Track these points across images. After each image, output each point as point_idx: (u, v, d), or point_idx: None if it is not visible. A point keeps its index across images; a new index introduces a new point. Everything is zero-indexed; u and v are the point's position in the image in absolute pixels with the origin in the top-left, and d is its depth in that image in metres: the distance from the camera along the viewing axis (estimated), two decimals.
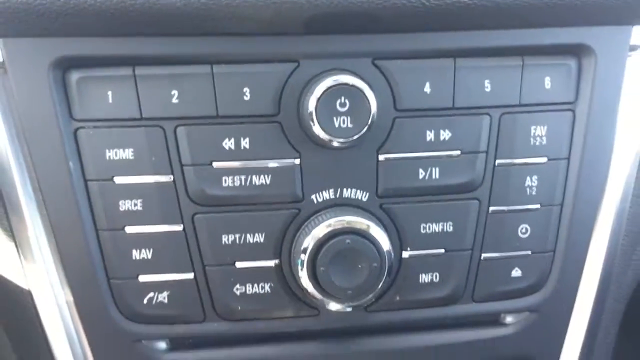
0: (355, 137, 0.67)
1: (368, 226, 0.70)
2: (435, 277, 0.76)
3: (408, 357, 0.79)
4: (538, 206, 0.76)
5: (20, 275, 0.74)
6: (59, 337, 0.75)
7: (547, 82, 0.74)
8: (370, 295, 0.71)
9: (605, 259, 0.80)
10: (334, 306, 0.72)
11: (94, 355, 0.75)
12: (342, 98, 0.66)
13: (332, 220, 0.70)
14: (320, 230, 0.69)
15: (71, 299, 0.73)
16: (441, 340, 0.80)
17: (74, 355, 0.75)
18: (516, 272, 0.78)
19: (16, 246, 0.73)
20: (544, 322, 0.81)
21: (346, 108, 0.67)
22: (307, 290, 0.70)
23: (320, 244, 0.69)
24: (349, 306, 0.72)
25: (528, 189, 0.75)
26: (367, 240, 0.69)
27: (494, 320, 0.82)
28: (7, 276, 0.75)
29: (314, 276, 0.69)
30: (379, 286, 0.70)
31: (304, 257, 0.69)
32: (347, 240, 0.69)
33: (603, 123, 0.75)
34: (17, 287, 0.75)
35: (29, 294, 0.74)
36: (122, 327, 0.74)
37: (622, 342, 0.93)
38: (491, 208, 0.75)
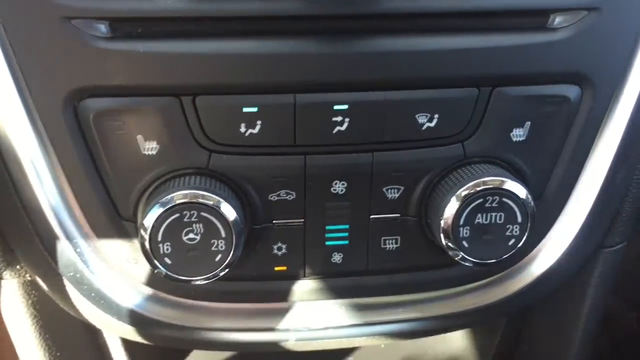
0: None
1: None
2: None
3: (426, 62, 0.61)
4: None
5: None
6: None
7: None
8: None
9: None
10: None
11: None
12: None
13: None
14: None
15: None
16: (474, 44, 0.61)
17: None
18: None
19: None
20: (605, 27, 0.62)
21: None
22: None
23: None
24: None
25: None
26: None
27: (541, 24, 0.62)
28: None
29: None
30: None
31: None
32: None
33: None
34: None
35: None
36: None
37: None
38: None
